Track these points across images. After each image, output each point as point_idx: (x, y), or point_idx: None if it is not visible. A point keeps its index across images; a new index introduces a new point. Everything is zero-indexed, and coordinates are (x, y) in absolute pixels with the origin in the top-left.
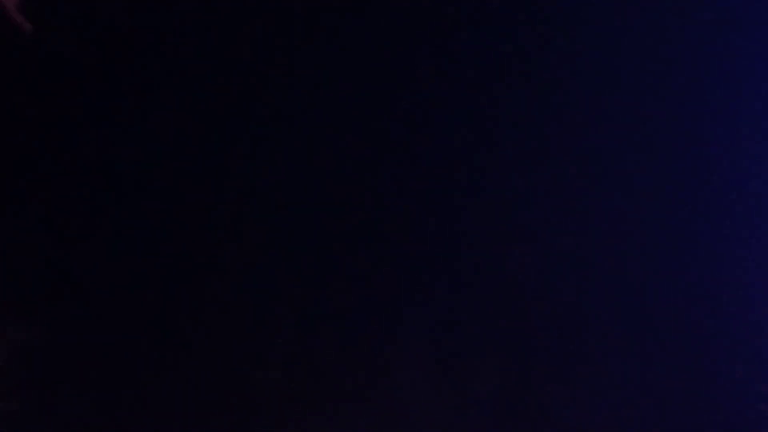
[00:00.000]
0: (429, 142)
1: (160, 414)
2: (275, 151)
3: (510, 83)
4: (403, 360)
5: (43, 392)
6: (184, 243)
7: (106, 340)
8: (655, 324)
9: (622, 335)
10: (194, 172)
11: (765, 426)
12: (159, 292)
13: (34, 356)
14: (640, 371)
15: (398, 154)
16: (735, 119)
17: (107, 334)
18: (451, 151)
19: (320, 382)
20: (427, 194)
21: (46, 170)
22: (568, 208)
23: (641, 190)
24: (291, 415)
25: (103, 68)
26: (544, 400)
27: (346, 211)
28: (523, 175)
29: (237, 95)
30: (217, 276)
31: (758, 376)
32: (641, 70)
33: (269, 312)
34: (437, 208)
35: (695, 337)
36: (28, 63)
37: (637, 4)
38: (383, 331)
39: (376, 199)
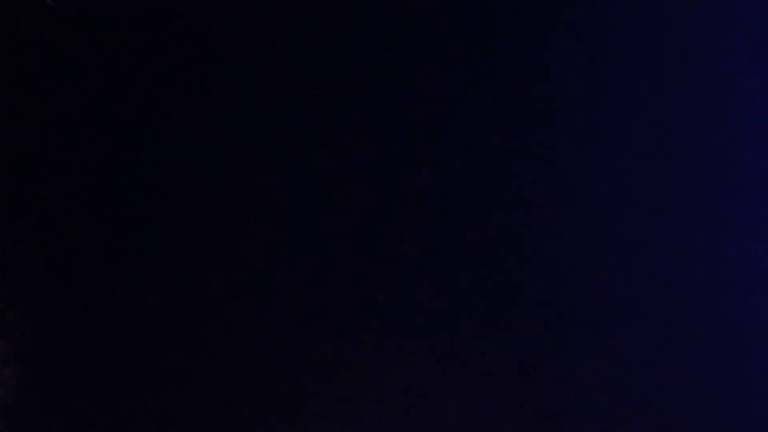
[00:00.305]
0: (430, 141)
1: (160, 414)
2: (279, 146)
3: (514, 84)
4: (407, 358)
5: (43, 392)
6: (184, 243)
7: (105, 340)
8: (660, 323)
9: (626, 333)
10: (194, 173)
11: (765, 426)
12: (159, 292)
13: (34, 356)
14: (645, 366)
15: (402, 151)
16: (735, 119)
17: (107, 334)
18: (457, 148)
19: (323, 379)
20: (432, 193)
21: (46, 171)
22: (574, 208)
23: (645, 191)
24: (292, 413)
25: (103, 68)
26: (548, 396)
27: (350, 209)
28: (532, 175)
29: (237, 95)
30: (218, 274)
31: (758, 376)
32: (642, 72)
33: (270, 310)
34: (443, 209)
35: (698, 337)
36: (28, 63)
37: (637, 4)
38: (386, 329)
39: (381, 197)
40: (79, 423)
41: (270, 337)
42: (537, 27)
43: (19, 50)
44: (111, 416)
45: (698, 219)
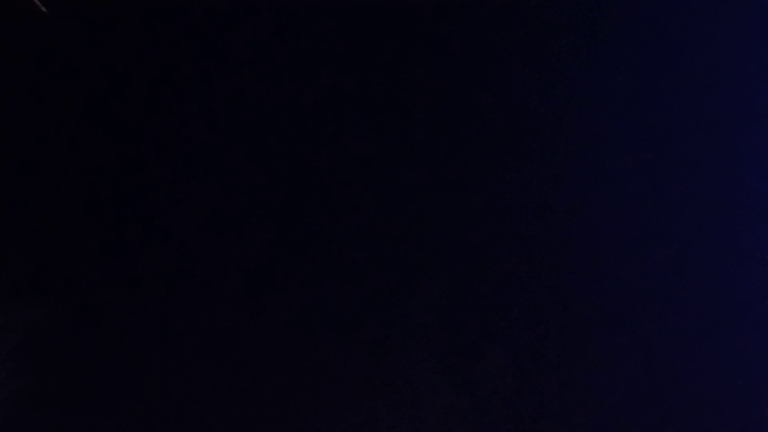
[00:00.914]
0: (430, 142)
1: (161, 414)
2: (279, 145)
3: (515, 85)
4: (411, 355)
5: (43, 392)
6: (185, 243)
7: (106, 340)
8: (660, 323)
9: (629, 333)
10: (195, 173)
11: (765, 426)
12: (159, 291)
13: (34, 356)
14: (646, 365)
15: (403, 152)
16: (735, 120)
17: (107, 334)
18: (458, 148)
19: (323, 380)
20: (433, 194)
21: (46, 171)
22: (576, 210)
23: (646, 193)
24: (293, 413)
25: (103, 68)
26: (550, 395)
27: (351, 209)
28: (537, 175)
29: (237, 95)
30: (218, 274)
31: (759, 376)
32: (642, 72)
33: (270, 310)
34: (444, 209)
35: (699, 337)
36: (29, 61)
37: (638, 4)
38: (387, 329)
39: (382, 198)
40: (80, 423)
41: (270, 337)
42: (538, 29)
43: (22, 53)
44: (111, 416)
45: (699, 220)
